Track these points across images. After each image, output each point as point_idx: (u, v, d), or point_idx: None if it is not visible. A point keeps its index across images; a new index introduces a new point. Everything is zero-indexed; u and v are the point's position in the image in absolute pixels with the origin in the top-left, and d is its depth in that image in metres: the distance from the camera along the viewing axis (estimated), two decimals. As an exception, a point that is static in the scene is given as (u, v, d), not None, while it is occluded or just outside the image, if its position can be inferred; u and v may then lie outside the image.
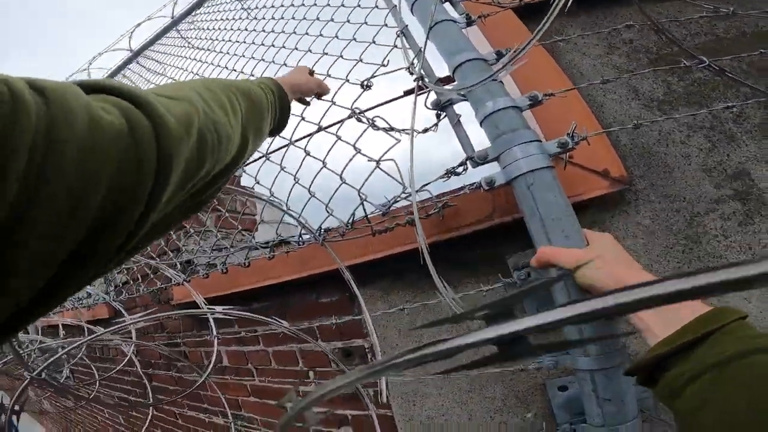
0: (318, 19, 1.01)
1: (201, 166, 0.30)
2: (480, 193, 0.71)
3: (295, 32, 1.06)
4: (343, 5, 0.97)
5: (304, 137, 0.88)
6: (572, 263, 0.48)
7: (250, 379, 1.21)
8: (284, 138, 0.88)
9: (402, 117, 0.74)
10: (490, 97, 0.63)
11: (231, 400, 1.26)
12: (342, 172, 0.78)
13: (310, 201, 0.84)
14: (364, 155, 0.75)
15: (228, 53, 1.31)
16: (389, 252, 0.77)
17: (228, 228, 1.30)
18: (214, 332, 0.96)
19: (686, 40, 0.84)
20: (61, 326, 1.99)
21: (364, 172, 0.76)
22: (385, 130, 0.73)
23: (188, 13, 1.72)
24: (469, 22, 0.73)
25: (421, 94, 0.66)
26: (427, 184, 0.70)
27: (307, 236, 0.81)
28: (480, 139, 0.68)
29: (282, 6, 1.18)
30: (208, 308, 0.77)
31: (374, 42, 0.82)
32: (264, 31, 1.19)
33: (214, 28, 1.56)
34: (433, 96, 0.69)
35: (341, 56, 0.87)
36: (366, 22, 0.88)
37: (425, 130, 0.74)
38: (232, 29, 1.41)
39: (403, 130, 0.71)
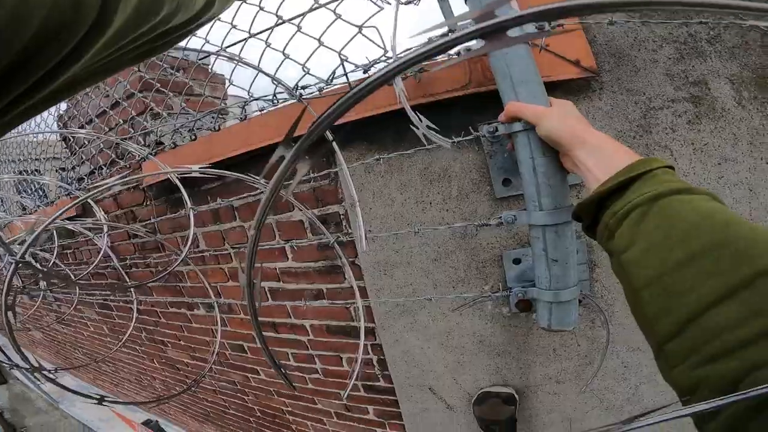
0: None
1: (157, 11, 0.27)
2: (456, 64, 0.75)
3: None
4: None
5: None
6: (534, 117, 0.53)
7: (228, 263, 1.26)
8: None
9: None
10: None
11: (211, 288, 1.32)
12: (320, 37, 0.78)
13: (284, 67, 0.84)
14: (345, 21, 0.76)
15: None
16: (365, 114, 0.79)
17: (193, 108, 1.27)
18: (189, 204, 0.97)
19: None
20: (23, 227, 1.97)
21: (344, 41, 0.77)
22: None
23: None
24: None
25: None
26: (408, 50, 0.72)
27: (283, 95, 0.82)
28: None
29: None
30: (179, 168, 0.78)
31: None
32: None
33: None
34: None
35: None
36: None
37: (408, 2, 0.75)
38: None
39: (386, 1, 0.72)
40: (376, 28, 0.74)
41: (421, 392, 1.13)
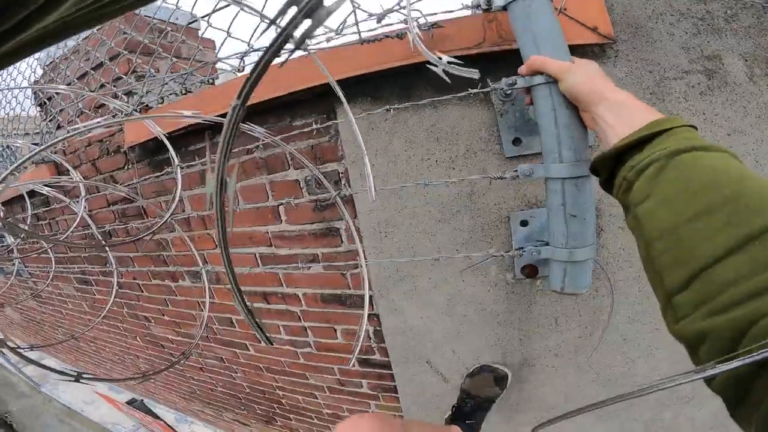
0: None
1: None
2: (472, 20, 0.73)
3: None
4: None
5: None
6: (558, 71, 0.53)
7: (211, 227, 1.20)
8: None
9: None
10: None
11: (198, 255, 1.25)
12: None
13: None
14: None
15: None
16: (370, 69, 0.74)
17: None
18: (176, 161, 0.90)
19: None
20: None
21: None
22: None
23: None
24: None
25: None
26: None
27: (288, 45, 0.75)
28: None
29: None
30: (177, 113, 0.70)
31: None
32: None
33: None
34: None
35: None
36: None
37: None
38: None
39: None
40: None
41: (418, 365, 1.11)
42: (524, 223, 0.83)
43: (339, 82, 0.68)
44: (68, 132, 1.22)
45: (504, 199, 0.82)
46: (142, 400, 2.39)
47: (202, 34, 1.33)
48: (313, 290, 1.13)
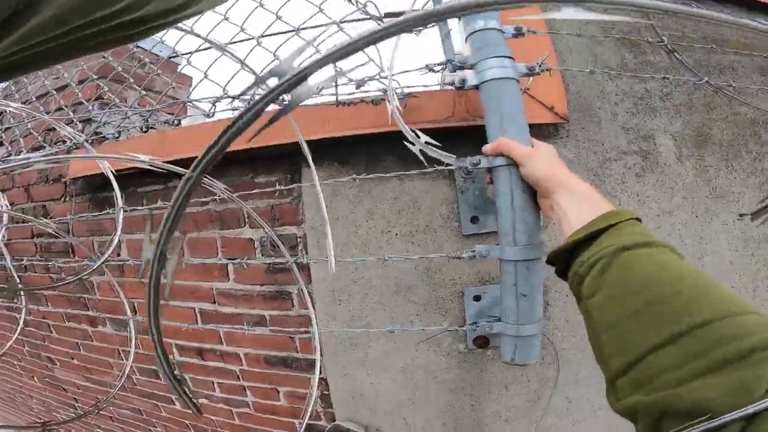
0: None
1: None
2: (443, 94, 0.76)
3: None
4: None
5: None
6: (521, 156, 0.57)
7: None
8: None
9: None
10: (483, 18, 0.70)
11: (128, 303, 1.14)
12: (317, 46, 0.74)
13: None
14: (346, 33, 0.73)
15: None
16: (341, 133, 0.76)
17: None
18: (120, 203, 0.83)
19: (658, 28, 0.96)
20: None
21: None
22: (374, 17, 0.71)
23: None
24: None
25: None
26: (405, 71, 0.72)
27: (261, 94, 0.75)
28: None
29: None
30: (131, 157, 0.65)
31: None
32: None
33: None
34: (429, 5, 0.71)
35: None
36: None
37: (413, 30, 0.76)
38: None
39: (391, 19, 0.71)
40: (376, 47, 0.72)
41: None
42: (477, 298, 0.86)
43: (308, 142, 0.68)
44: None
45: (459, 274, 0.85)
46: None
47: (181, 69, 1.29)
48: (256, 351, 1.06)
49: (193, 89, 0.91)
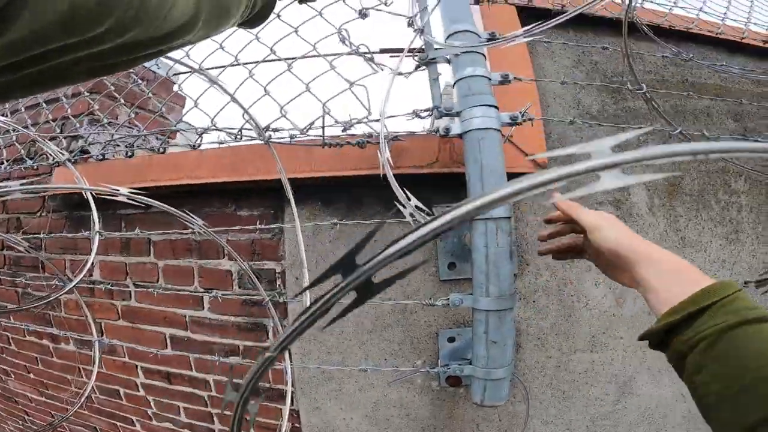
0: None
1: (99, 20, 0.23)
2: (430, 141, 0.79)
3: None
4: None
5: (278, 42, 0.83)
6: (593, 224, 0.52)
7: (124, 300, 1.08)
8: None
9: (383, 57, 0.79)
10: (472, 64, 0.74)
11: (94, 324, 1.11)
12: (308, 84, 0.77)
13: (261, 110, 0.80)
14: (338, 73, 0.76)
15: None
16: (331, 173, 0.78)
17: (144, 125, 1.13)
18: (97, 226, 0.82)
19: (639, 74, 1.02)
20: None
21: (329, 92, 0.77)
22: (366, 58, 0.74)
23: None
24: (477, 0, 0.82)
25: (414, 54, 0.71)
26: (393, 116, 0.75)
27: (250, 132, 0.76)
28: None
29: None
30: (110, 189, 0.65)
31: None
32: None
33: None
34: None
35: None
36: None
37: (402, 74, 0.79)
38: None
39: (383, 65, 0.74)
40: (365, 88, 0.75)
41: None
42: (451, 340, 0.88)
43: (293, 180, 0.69)
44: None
45: (435, 316, 0.87)
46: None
47: (178, 87, 1.28)
48: (227, 378, 1.05)
49: (185, 114, 0.92)
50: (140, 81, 1.11)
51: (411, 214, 0.63)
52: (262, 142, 0.74)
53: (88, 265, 0.87)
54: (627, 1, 0.79)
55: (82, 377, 1.35)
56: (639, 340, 0.46)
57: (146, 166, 0.89)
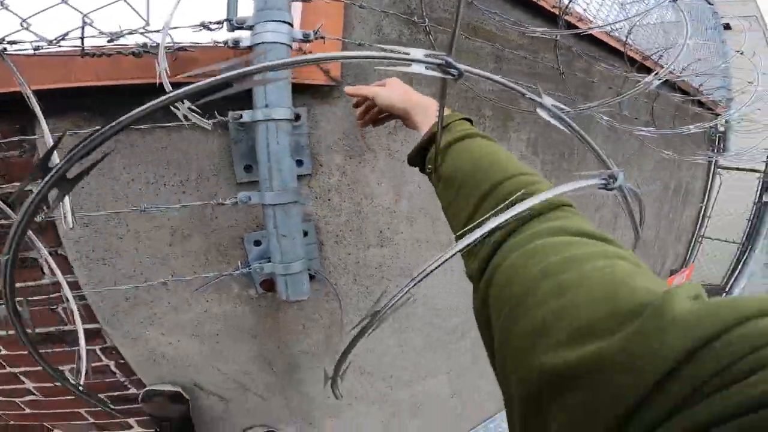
0: None
1: None
2: (218, 52, 0.76)
3: None
4: None
5: None
6: (374, 91, 0.64)
7: None
8: None
9: None
10: None
11: None
12: None
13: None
14: None
15: None
16: (99, 83, 0.70)
17: None
18: None
19: (437, 12, 1.08)
20: None
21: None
22: None
23: None
24: None
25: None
26: (177, 27, 0.68)
27: None
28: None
29: None
30: None
31: None
32: None
33: None
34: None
35: None
36: None
37: None
38: None
39: None
40: None
41: (189, 391, 1.07)
42: (258, 243, 0.92)
43: (44, 92, 0.60)
44: None
45: (237, 221, 0.89)
46: None
47: None
48: (11, 331, 0.94)
49: None
50: None
51: (185, 116, 0.61)
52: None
53: None
54: None
55: None
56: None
57: None
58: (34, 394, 1.09)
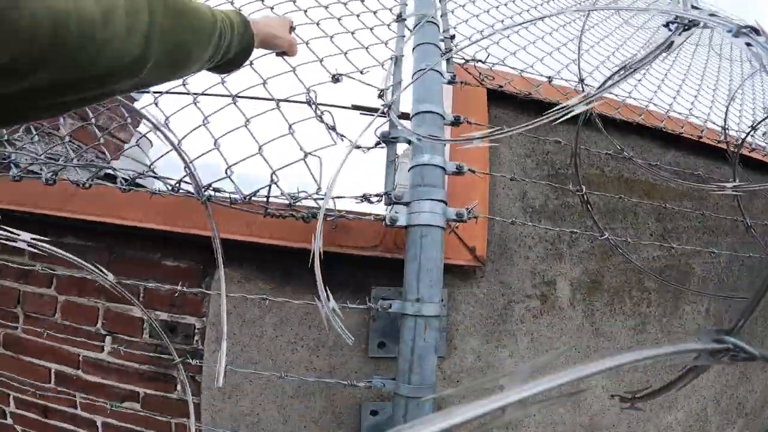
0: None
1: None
2: (376, 223, 0.80)
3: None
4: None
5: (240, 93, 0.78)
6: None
7: (9, 326, 0.94)
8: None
9: (347, 127, 0.79)
10: (431, 151, 0.76)
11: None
12: (261, 145, 0.73)
13: (210, 157, 0.75)
14: (295, 139, 0.74)
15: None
16: (271, 241, 0.76)
17: (84, 142, 0.98)
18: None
19: (583, 167, 1.10)
20: None
21: (282, 156, 0.75)
22: (328, 126, 0.73)
23: None
24: (451, 81, 0.84)
25: (379, 116, 0.71)
26: (341, 197, 0.74)
27: (188, 187, 0.71)
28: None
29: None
30: (10, 233, 0.55)
31: (366, 49, 0.83)
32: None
33: None
34: (383, 126, 0.76)
35: (330, 37, 0.86)
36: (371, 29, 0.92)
37: (361, 147, 0.79)
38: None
39: (343, 136, 0.73)
40: (320, 159, 0.73)
41: None
42: (374, 413, 0.90)
43: (226, 240, 0.65)
44: None
45: (359, 389, 0.88)
46: None
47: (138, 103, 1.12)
48: (119, 423, 0.96)
49: (126, 150, 0.83)
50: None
51: (326, 315, 0.63)
52: (199, 200, 0.70)
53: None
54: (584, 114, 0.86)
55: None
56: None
57: (69, 195, 0.79)
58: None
